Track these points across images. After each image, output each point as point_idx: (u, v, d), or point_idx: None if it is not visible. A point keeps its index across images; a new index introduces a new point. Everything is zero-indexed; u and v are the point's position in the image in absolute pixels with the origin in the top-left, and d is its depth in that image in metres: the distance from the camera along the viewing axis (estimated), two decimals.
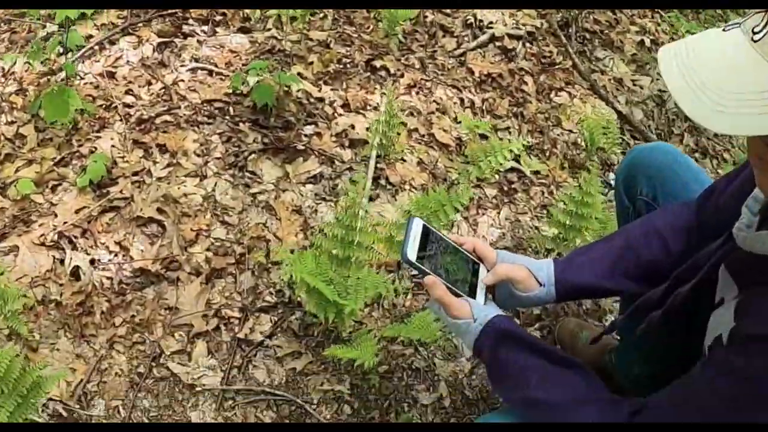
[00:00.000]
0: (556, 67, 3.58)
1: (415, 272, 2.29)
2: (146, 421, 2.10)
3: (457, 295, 1.53)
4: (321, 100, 2.95)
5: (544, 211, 2.82)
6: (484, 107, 3.18)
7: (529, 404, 1.48)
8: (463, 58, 3.43)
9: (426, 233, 1.57)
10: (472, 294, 1.58)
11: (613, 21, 4.09)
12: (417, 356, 2.30)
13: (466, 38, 3.60)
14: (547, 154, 3.11)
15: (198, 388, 2.17)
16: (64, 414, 2.07)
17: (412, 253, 1.51)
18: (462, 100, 3.18)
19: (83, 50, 3.04)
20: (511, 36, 3.62)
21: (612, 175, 3.13)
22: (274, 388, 2.20)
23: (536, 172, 2.99)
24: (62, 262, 2.36)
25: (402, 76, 3.20)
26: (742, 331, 1.19)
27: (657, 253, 1.66)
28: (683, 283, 1.47)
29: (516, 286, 1.66)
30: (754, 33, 1.04)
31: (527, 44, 3.64)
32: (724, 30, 1.09)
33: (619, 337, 2.19)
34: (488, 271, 1.65)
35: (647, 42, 4.00)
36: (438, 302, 1.55)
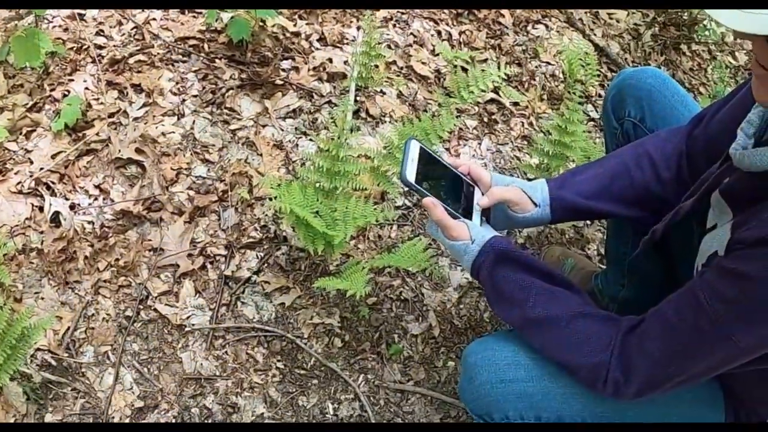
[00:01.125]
0: None
1: (413, 194, 2.30)
2: (136, 365, 2.10)
3: (454, 217, 1.53)
4: (297, 34, 2.89)
5: (525, 142, 2.82)
6: (461, 39, 3.15)
7: (527, 321, 1.51)
8: None
9: (423, 155, 1.56)
10: (468, 216, 1.58)
11: None
12: (405, 287, 2.31)
13: None
14: (526, 86, 3.09)
15: (187, 329, 2.17)
16: (53, 363, 2.06)
17: (410, 175, 1.51)
18: (439, 32, 3.14)
19: None
20: None
21: (590, 107, 3.14)
22: (264, 324, 2.19)
23: (515, 104, 2.98)
24: (41, 209, 2.31)
25: (378, 9, 3.14)
26: (743, 237, 1.22)
27: (648, 178, 1.68)
28: (689, 199, 1.50)
29: (512, 208, 1.68)
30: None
31: None
32: None
33: (606, 263, 2.22)
34: (483, 194, 1.65)
35: None
36: (437, 224, 1.56)
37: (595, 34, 3.52)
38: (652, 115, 1.85)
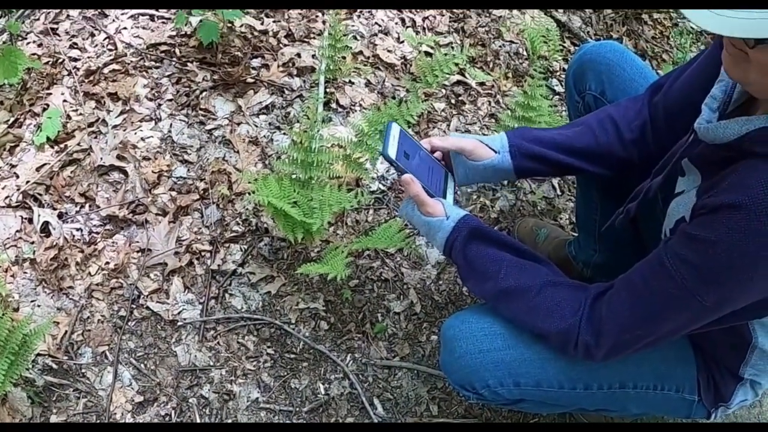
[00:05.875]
0: None
1: (388, 177, 2.38)
2: (134, 362, 2.18)
3: (430, 196, 1.62)
4: (265, 32, 2.97)
5: (492, 120, 2.89)
6: (425, 25, 3.22)
7: (499, 293, 1.58)
8: None
9: (402, 137, 1.64)
10: (443, 196, 1.67)
11: None
12: (385, 267, 2.40)
13: None
14: (491, 65, 3.16)
15: (179, 323, 2.25)
16: (54, 366, 2.14)
17: (392, 151, 1.59)
18: (403, 20, 3.21)
19: (21, 10, 3.01)
20: None
21: (555, 81, 3.22)
22: (252, 313, 2.28)
23: (482, 84, 3.05)
24: (30, 220, 2.39)
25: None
26: (706, 203, 1.28)
27: (612, 139, 1.74)
28: (657, 176, 1.56)
29: (469, 157, 1.73)
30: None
31: None
32: None
33: (577, 230, 2.30)
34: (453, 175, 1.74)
35: None
36: (414, 200, 1.63)
37: (557, 10, 3.59)
38: (612, 87, 1.90)
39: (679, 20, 3.96)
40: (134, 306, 2.28)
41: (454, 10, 3.33)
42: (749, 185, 1.19)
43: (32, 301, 2.25)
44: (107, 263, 2.33)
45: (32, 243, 2.35)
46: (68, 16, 3.02)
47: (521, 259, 1.60)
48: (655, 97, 1.72)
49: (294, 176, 2.18)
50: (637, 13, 3.79)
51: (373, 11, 3.19)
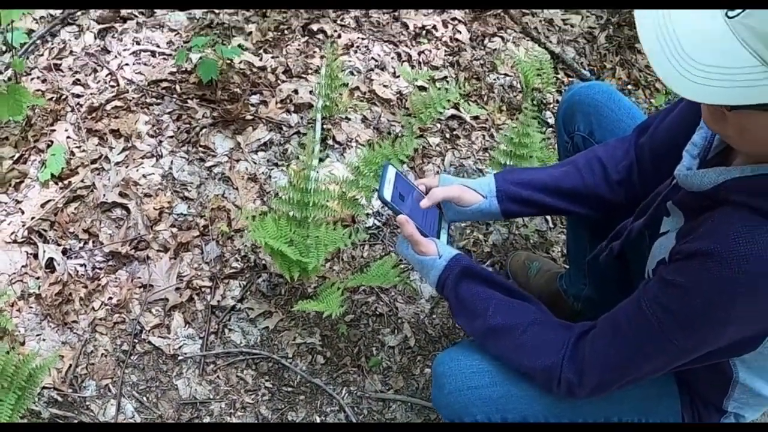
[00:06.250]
0: (488, 13, 3.67)
1: (383, 214, 2.45)
2: (136, 395, 2.24)
3: (424, 236, 1.68)
4: (263, 69, 3.04)
5: (486, 154, 2.96)
6: (420, 59, 3.29)
7: (488, 330, 1.63)
8: (396, 13, 3.52)
9: (398, 179, 1.72)
10: (436, 236, 1.73)
11: None
12: (379, 302, 2.46)
13: None
14: (485, 99, 3.23)
15: (180, 358, 2.31)
16: (59, 399, 2.20)
17: (387, 194, 1.66)
18: (399, 54, 3.28)
19: (26, 45, 3.09)
20: None
21: (548, 114, 3.28)
22: (250, 347, 2.35)
23: (476, 117, 3.11)
24: (36, 256, 2.45)
25: (339, 36, 3.29)
26: (682, 249, 1.32)
27: (598, 180, 1.79)
28: (640, 218, 1.60)
29: (458, 204, 1.79)
30: (728, 10, 1.08)
31: None
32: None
33: (568, 263, 2.35)
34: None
35: None
36: (408, 239, 1.69)
37: (550, 41, 3.64)
38: (600, 128, 1.94)
39: None
40: (137, 340, 2.34)
41: (449, 44, 3.40)
42: (723, 234, 1.23)
43: (38, 335, 2.32)
44: (110, 298, 2.40)
45: (37, 278, 2.41)
46: (71, 51, 3.10)
47: (510, 298, 1.65)
48: (641, 139, 1.76)
49: (291, 214, 2.24)
50: (630, 42, 3.85)
51: (370, 46, 3.26)
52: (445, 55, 3.36)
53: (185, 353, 2.32)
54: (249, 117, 2.85)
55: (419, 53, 3.32)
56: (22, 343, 2.29)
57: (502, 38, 3.57)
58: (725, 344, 1.38)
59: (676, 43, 1.10)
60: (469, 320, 1.68)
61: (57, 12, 3.28)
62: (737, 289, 1.23)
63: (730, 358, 1.55)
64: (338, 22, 3.39)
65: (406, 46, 3.33)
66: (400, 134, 2.90)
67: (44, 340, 2.31)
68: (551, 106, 3.32)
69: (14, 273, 2.42)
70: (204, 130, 2.80)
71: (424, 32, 3.43)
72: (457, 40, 3.45)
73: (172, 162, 2.71)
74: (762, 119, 1.14)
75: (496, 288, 1.67)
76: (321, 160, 2.68)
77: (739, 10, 1.05)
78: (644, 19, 1.14)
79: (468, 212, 1.80)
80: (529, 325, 1.59)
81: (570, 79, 3.51)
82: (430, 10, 3.53)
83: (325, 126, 2.84)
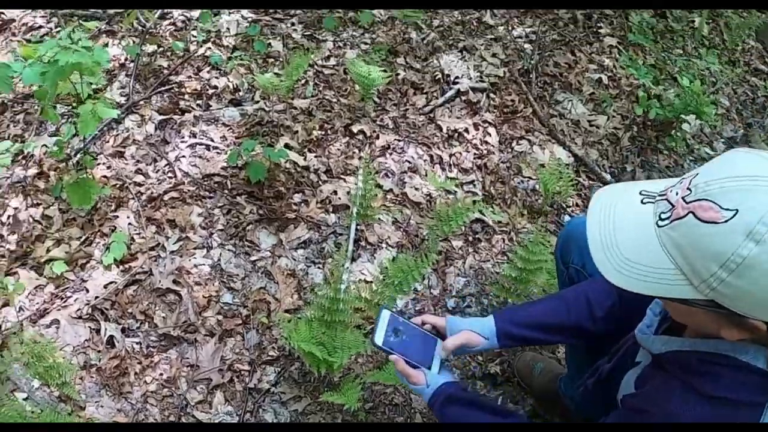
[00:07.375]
0: (518, 115, 3.95)
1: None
2: None
3: (415, 367, 1.97)
4: (306, 168, 3.38)
5: (504, 258, 3.24)
6: (451, 162, 3.60)
7: None
8: (432, 115, 3.83)
9: (392, 321, 2.01)
10: (429, 363, 2.01)
11: (572, 62, 4.45)
12: (396, 394, 2.74)
13: (435, 94, 4.00)
14: (508, 202, 3.51)
15: None
16: None
17: (379, 339, 1.96)
18: (431, 156, 3.59)
19: (92, 137, 3.41)
20: (475, 89, 4.01)
21: (567, 218, 3.53)
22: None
23: (498, 221, 3.39)
24: (98, 331, 2.78)
25: (377, 137, 3.61)
26: (625, 400, 1.57)
27: (583, 317, 2.02)
28: (611, 360, 1.86)
29: (465, 347, 2.06)
30: (660, 219, 1.25)
31: (491, 95, 4.04)
32: (642, 202, 1.31)
33: (567, 367, 2.60)
34: (443, 338, 2.09)
35: (605, 79, 4.37)
36: (400, 373, 1.97)
37: (575, 143, 3.88)
38: (591, 262, 2.12)
39: (695, 145, 4.23)
40: (182, 413, 2.63)
41: (479, 147, 3.69)
42: (657, 398, 1.45)
43: (96, 402, 2.62)
44: (161, 374, 2.71)
45: (99, 351, 2.73)
46: (134, 140, 3.45)
47: (492, 416, 1.89)
48: None
49: (323, 317, 2.55)
50: (652, 143, 4.07)
51: (405, 147, 3.58)
52: (474, 158, 3.66)
53: None
54: (291, 216, 3.18)
55: (450, 155, 3.62)
56: (83, 408, 2.59)
57: (529, 141, 3.85)
58: None
59: (612, 237, 1.31)
60: None
61: (121, 99, 3.63)
62: None
63: None
64: (377, 122, 3.72)
65: (439, 148, 3.64)
66: (426, 237, 3.20)
67: (102, 406, 2.61)
68: (570, 209, 3.58)
69: (78, 345, 2.74)
70: (250, 226, 3.14)
71: (456, 134, 3.74)
72: (486, 142, 3.75)
73: (221, 254, 3.04)
74: (681, 308, 1.36)
75: (477, 408, 1.92)
76: (353, 259, 2.99)
77: (667, 221, 1.23)
78: (595, 204, 1.38)
79: (474, 351, 2.08)
80: None
81: (591, 182, 3.75)
82: (463, 112, 3.84)
83: (358, 227, 3.16)
